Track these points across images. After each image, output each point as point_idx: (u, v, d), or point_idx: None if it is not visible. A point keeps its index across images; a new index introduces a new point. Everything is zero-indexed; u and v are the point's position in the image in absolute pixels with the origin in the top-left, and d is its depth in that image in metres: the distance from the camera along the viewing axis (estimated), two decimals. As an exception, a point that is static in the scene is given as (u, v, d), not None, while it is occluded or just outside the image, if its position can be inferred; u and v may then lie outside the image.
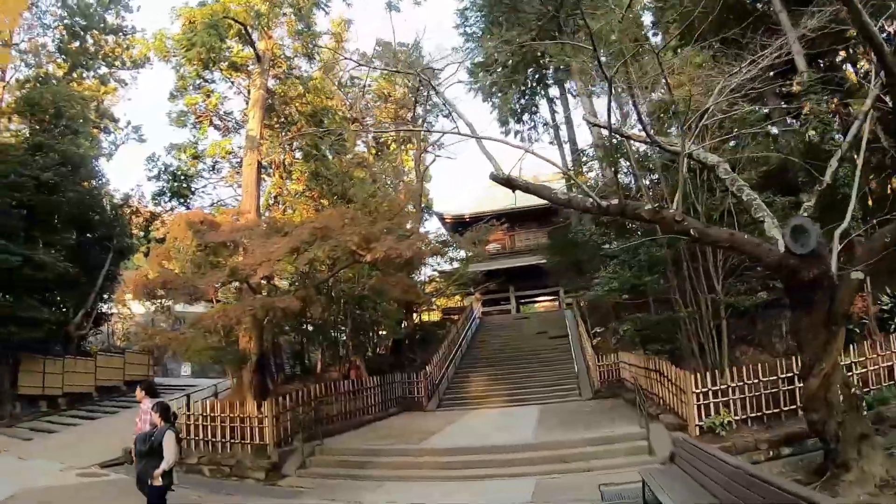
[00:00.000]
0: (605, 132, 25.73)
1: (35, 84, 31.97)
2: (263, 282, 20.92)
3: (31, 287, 26.54)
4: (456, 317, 36.07)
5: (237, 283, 21.66)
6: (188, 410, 18.49)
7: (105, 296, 32.37)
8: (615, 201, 11.31)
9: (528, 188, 12.35)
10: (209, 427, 17.55)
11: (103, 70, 37.60)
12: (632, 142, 16.10)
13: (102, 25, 36.04)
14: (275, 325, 21.81)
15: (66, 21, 34.28)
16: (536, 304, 55.63)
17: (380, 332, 30.48)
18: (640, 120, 12.08)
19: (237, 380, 21.95)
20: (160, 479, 8.57)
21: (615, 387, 22.81)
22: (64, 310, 30.29)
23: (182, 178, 34.11)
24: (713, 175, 13.77)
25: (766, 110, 21.44)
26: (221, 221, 22.71)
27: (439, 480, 13.90)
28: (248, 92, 31.39)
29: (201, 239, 20.29)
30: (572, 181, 22.19)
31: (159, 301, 20.60)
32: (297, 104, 32.63)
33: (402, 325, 30.71)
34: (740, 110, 15.82)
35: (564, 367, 26.85)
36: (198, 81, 32.48)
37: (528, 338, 32.71)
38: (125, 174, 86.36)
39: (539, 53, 32.10)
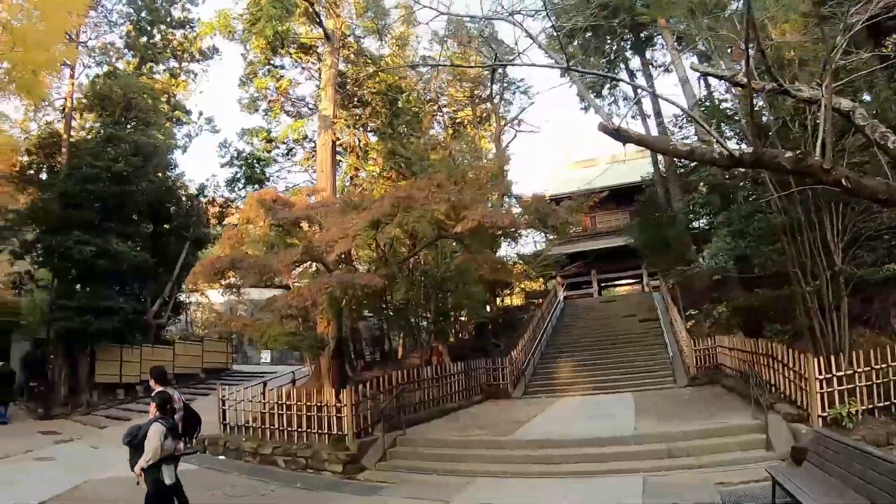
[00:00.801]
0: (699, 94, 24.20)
1: (105, 80, 31.95)
2: (341, 265, 19.84)
3: (107, 278, 26.95)
4: (539, 301, 34.62)
5: (313, 265, 20.75)
6: (263, 398, 17.60)
7: (182, 285, 32.07)
8: (748, 149, 9.70)
9: (641, 140, 10.71)
10: (285, 416, 16.53)
11: (173, 64, 37.76)
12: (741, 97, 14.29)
13: (169, 19, 36.09)
14: (353, 309, 20.53)
15: (132, 17, 34.40)
16: (618, 288, 53.92)
17: (460, 317, 29.32)
18: (766, 67, 10.45)
19: (315, 367, 21.06)
20: (143, 475, 8.12)
21: (712, 373, 20.84)
22: (142, 299, 30.65)
23: (255, 162, 33.88)
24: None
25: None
26: (296, 201, 21.77)
27: (535, 477, 12.39)
28: (319, 74, 30.96)
29: (274, 217, 19.22)
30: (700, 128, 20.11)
31: (229, 283, 19.77)
32: (369, 84, 31.74)
33: (486, 309, 29.45)
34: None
35: (656, 352, 24.87)
36: (266, 68, 32.38)
37: (615, 321, 30.89)
38: (201, 165, 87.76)
39: (619, 22, 30.20)
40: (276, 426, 16.62)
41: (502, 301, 34.63)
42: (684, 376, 21.66)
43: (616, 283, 51.40)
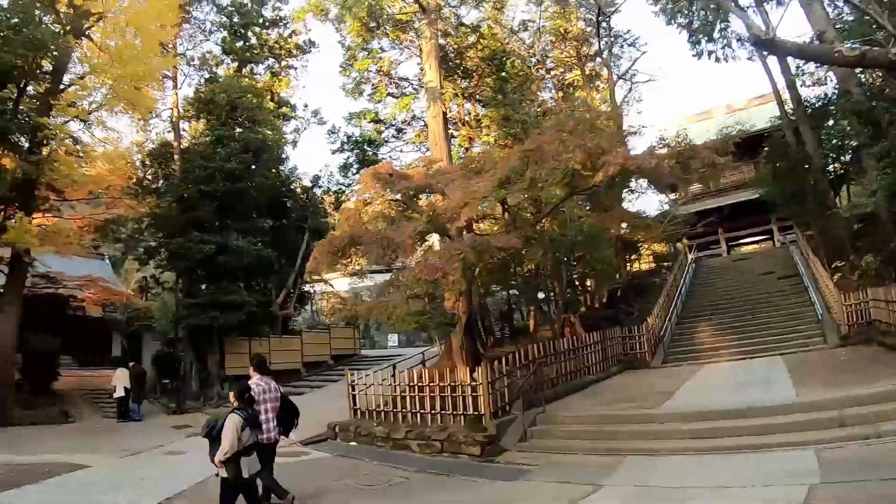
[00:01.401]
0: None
1: (207, 86, 33.09)
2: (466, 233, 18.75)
3: (230, 274, 27.71)
4: (668, 264, 33.02)
5: (432, 241, 20.05)
6: (394, 381, 17.05)
7: (305, 276, 32.82)
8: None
9: (801, 51, 9.43)
10: (416, 398, 15.73)
11: (272, 62, 38.39)
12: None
13: (261, 20, 36.82)
14: (485, 279, 19.61)
15: (225, 24, 35.33)
16: (747, 246, 51.29)
17: (588, 286, 28.14)
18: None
19: (445, 346, 20.34)
20: (224, 468, 7.87)
21: (866, 330, 18.67)
22: (266, 292, 31.44)
23: (366, 144, 33.80)
24: None
25: None
26: (413, 173, 21.12)
27: (692, 453, 10.96)
28: (420, 51, 30.64)
29: (392, 189, 18.61)
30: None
31: (352, 270, 19.23)
32: (471, 55, 30.94)
33: (618, 275, 28.17)
34: None
35: (801, 311, 22.93)
36: (364, 52, 32.73)
37: (752, 280, 28.71)
38: (313, 158, 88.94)
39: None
40: (408, 409, 15.88)
41: (630, 266, 33.18)
42: (835, 335, 19.66)
43: (744, 240, 48.77)
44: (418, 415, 15.63)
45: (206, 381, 27.06)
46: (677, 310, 25.68)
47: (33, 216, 23.02)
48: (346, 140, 35.59)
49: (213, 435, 7.97)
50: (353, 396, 17.50)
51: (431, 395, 15.50)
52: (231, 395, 8.50)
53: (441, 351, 22.68)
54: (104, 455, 15.39)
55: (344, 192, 35.90)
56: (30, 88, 22.28)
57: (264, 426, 8.99)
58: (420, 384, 15.83)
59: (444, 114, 27.36)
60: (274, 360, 27.91)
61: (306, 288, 36.38)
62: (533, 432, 13.89)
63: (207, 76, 34.79)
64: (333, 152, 36.42)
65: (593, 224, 21.47)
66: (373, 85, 34.52)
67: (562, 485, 9.97)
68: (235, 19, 35.37)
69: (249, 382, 9.11)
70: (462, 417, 14.56)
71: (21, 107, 21.12)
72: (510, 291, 26.40)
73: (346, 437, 16.32)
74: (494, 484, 10.83)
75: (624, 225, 27.02)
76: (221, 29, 35.52)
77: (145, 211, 29.37)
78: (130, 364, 23.60)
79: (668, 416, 13.07)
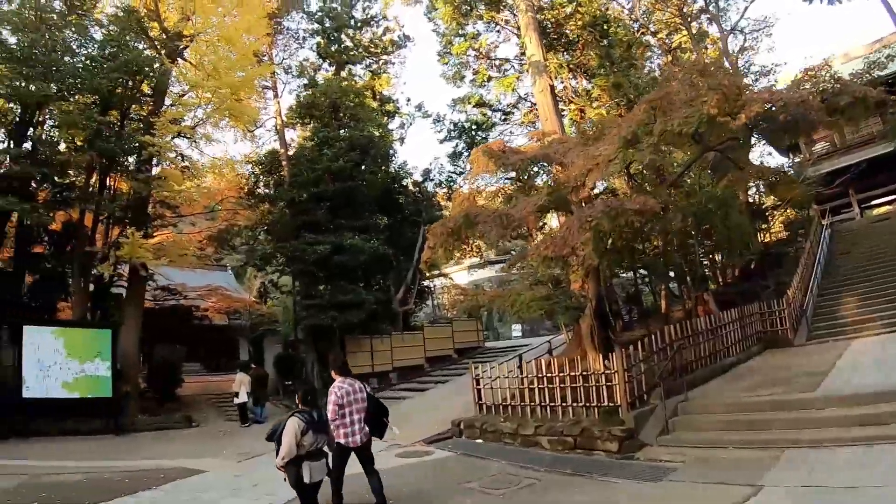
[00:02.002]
0: None
1: (306, 91, 33.71)
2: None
3: (346, 273, 27.62)
4: (801, 230, 30.70)
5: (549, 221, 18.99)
6: (520, 373, 16.19)
7: (426, 272, 32.86)
8: None
9: None
10: (545, 390, 14.57)
11: (369, 62, 38.37)
12: None
13: (353, 22, 36.93)
14: (607, 262, 18.31)
15: (317, 30, 35.78)
16: (881, 207, 47.68)
17: (717, 260, 26.34)
18: None
19: (574, 332, 19.21)
20: (286, 473, 7.62)
21: None
22: (385, 289, 31.22)
23: (474, 129, 33.10)
24: None
25: None
26: (526, 150, 20.11)
27: (861, 443, 9.10)
28: (518, 29, 29.93)
29: (505, 164, 17.42)
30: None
31: (467, 245, 18.30)
32: (570, 24, 29.81)
33: (749, 246, 26.20)
34: None
35: (962, 276, 20.67)
36: (458, 39, 32.44)
37: (899, 244, 26.33)
38: (422, 152, 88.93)
39: None
40: (537, 402, 14.69)
41: (764, 236, 31.06)
42: None
43: (877, 200, 45.36)
44: (548, 408, 14.43)
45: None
46: (817, 280, 23.47)
47: (153, 233, 24.52)
48: (452, 127, 35.18)
49: (275, 438, 7.73)
50: (478, 391, 16.54)
51: (562, 385, 14.25)
52: (297, 396, 8.15)
53: (568, 338, 21.54)
54: (223, 459, 15.39)
55: (455, 182, 35.35)
56: (134, 113, 23.28)
57: (349, 429, 8.57)
58: (549, 375, 14.56)
59: (552, 87, 26.16)
60: (396, 357, 28.21)
61: (426, 283, 35.95)
62: (674, 423, 12.33)
63: (306, 82, 35.16)
64: (441, 141, 36.19)
65: (725, 188, 19.74)
66: (473, 70, 33.85)
67: (715, 486, 8.45)
68: (327, 24, 35.61)
69: (333, 386, 8.73)
70: (596, 409, 13.23)
71: (126, 129, 21.89)
72: (636, 272, 24.97)
73: (472, 434, 15.33)
74: (636, 485, 9.50)
75: (752, 191, 25.34)
76: (314, 35, 36.01)
77: (259, 219, 30.63)
78: (251, 367, 23.72)
79: (826, 400, 11.10)
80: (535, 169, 19.23)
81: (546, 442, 13.25)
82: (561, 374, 14.39)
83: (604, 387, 13.38)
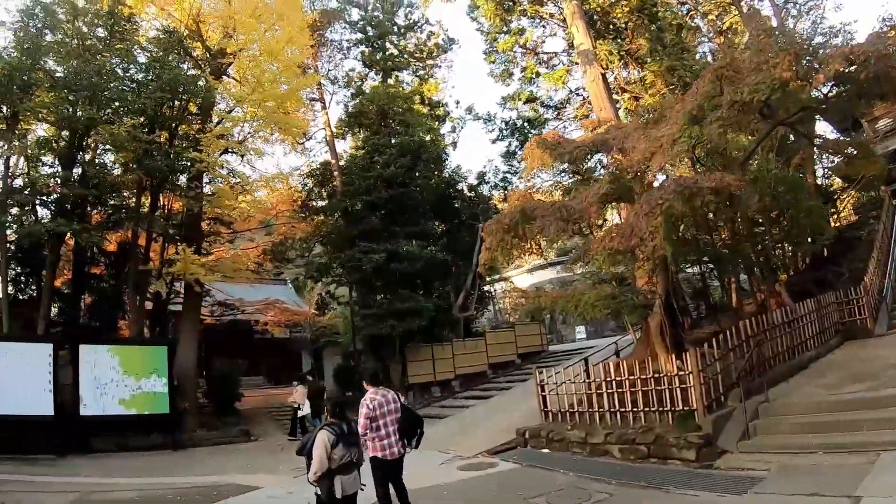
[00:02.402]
0: None
1: (354, 100, 33.91)
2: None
3: (404, 280, 27.13)
4: (873, 213, 28.82)
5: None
6: (587, 377, 15.09)
7: (485, 276, 31.93)
8: None
9: None
10: (614, 394, 13.67)
11: (415, 67, 38.12)
12: None
13: (396, 28, 36.84)
14: (680, 251, 17.09)
15: (360, 38, 35.77)
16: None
17: (786, 248, 24.79)
18: None
19: (643, 331, 18.20)
20: (319, 487, 7.22)
21: None
22: (444, 295, 30.69)
23: (526, 125, 32.40)
24: None
25: None
26: (582, 139, 19.19)
27: None
28: (564, 21, 29.18)
29: (561, 153, 16.40)
30: None
31: (525, 243, 17.37)
32: (617, 11, 28.93)
33: (822, 230, 24.61)
34: None
35: None
36: (503, 37, 31.91)
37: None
38: (475, 155, 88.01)
39: None
40: (606, 407, 13.81)
41: (835, 220, 29.27)
42: None
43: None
44: (617, 414, 13.58)
45: None
46: (894, 264, 22.01)
47: (210, 249, 25.37)
48: (503, 126, 34.66)
49: (305, 453, 7.39)
50: (543, 397, 15.76)
51: (632, 389, 13.36)
52: (326, 408, 7.89)
53: (636, 338, 20.53)
54: (278, 475, 15.09)
55: (511, 183, 34.65)
56: (182, 132, 23.29)
57: (386, 441, 8.29)
58: (617, 378, 13.74)
59: (604, 76, 25.31)
60: (458, 364, 27.53)
61: (486, 288, 35.28)
62: (755, 427, 11.20)
63: (353, 91, 35.26)
64: (493, 141, 35.73)
65: (794, 169, 18.36)
66: (521, 67, 33.26)
67: (808, 499, 7.52)
68: (370, 32, 35.56)
69: (364, 397, 8.38)
70: (669, 414, 12.33)
71: (175, 148, 21.95)
72: (701, 266, 23.70)
73: (538, 443, 14.57)
74: (719, 499, 8.54)
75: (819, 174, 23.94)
76: (358, 45, 35.99)
77: (313, 230, 30.80)
78: (308, 379, 23.40)
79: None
80: (592, 163, 18.29)
81: (617, 451, 12.44)
82: (630, 377, 13.52)
83: (677, 389, 12.41)
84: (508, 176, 35.08)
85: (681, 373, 12.37)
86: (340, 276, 30.08)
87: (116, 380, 18.94)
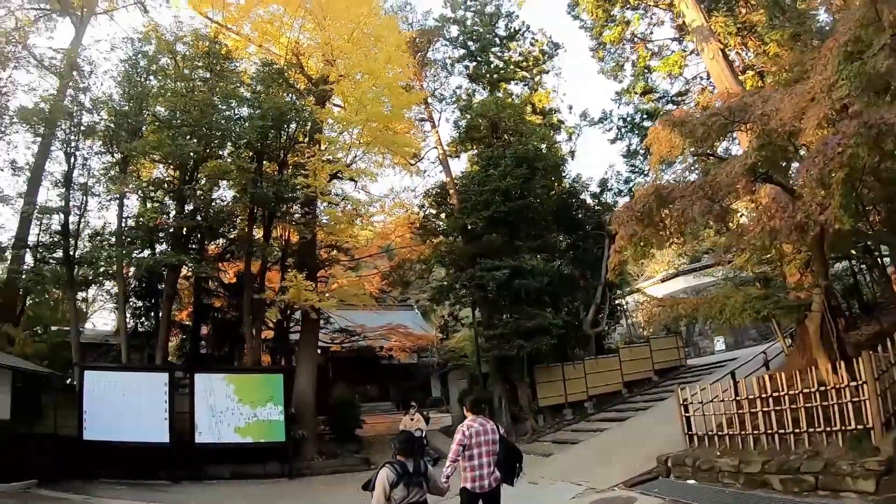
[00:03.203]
0: None
1: (463, 115, 33.10)
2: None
3: (529, 297, 25.64)
4: None
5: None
6: (735, 395, 13.12)
7: (616, 289, 30.68)
8: None
9: None
10: (770, 413, 11.62)
11: (522, 76, 36.84)
12: None
13: (497, 40, 35.85)
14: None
15: (462, 54, 35.31)
16: None
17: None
18: None
19: (799, 336, 15.84)
20: None
21: None
22: (573, 311, 29.10)
23: (644, 120, 31.15)
24: None
25: None
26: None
27: None
28: (669, 5, 27.61)
29: (693, 129, 14.20)
30: None
31: (663, 233, 15.32)
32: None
33: None
34: None
35: None
36: (607, 32, 30.07)
37: None
38: (595, 162, 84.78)
39: None
40: (761, 429, 11.71)
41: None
42: None
43: None
44: (775, 436, 11.51)
45: (517, 416, 25.11)
46: None
47: (331, 277, 25.97)
48: (621, 124, 32.91)
49: (370, 488, 6.91)
50: (687, 418, 13.82)
51: (791, 406, 11.24)
52: (394, 445, 7.17)
53: (787, 346, 18.12)
54: None
55: (635, 186, 32.72)
56: (291, 162, 23.71)
57: (477, 472, 7.83)
58: (771, 394, 11.84)
59: (723, 51, 23.21)
60: (591, 384, 25.68)
61: (616, 302, 33.39)
62: None
63: (462, 107, 34.40)
64: (612, 141, 33.98)
65: None
66: (632, 62, 31.41)
67: None
68: (472, 47, 34.84)
69: (461, 424, 8.02)
70: (839, 435, 10.09)
71: (284, 176, 22.49)
72: (850, 259, 20.91)
73: (682, 472, 12.58)
74: None
75: None
76: (461, 61, 35.41)
77: (432, 251, 30.26)
78: (413, 405, 22.30)
79: None
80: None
81: (777, 482, 10.35)
82: (788, 392, 11.39)
83: (846, 404, 10.19)
84: (632, 177, 33.19)
85: (853, 384, 10.15)
86: (463, 296, 29.05)
87: (232, 408, 19.20)
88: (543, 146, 30.44)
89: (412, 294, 38.32)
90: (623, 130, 33.03)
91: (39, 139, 22.88)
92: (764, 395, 11.91)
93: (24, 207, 22.10)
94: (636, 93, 31.58)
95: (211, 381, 19.32)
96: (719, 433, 12.85)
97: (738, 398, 12.98)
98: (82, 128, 21.73)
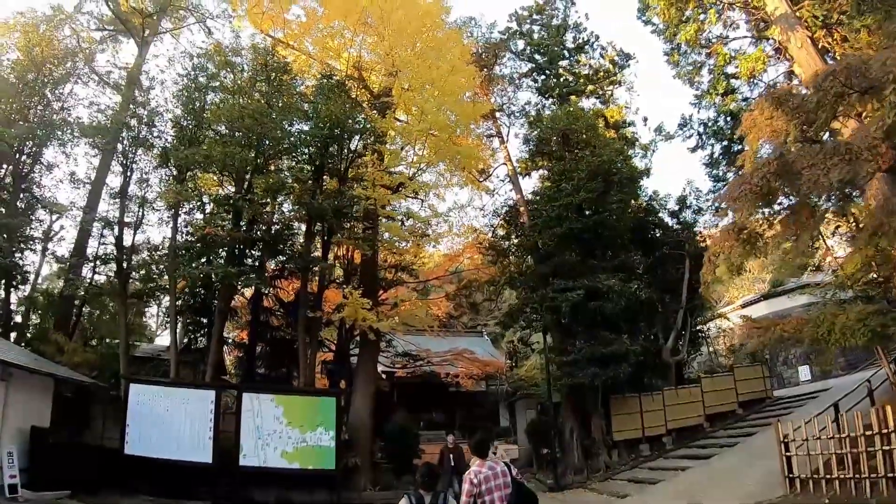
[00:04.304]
0: None
1: (531, 128, 31.96)
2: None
3: (605, 320, 24.07)
4: None
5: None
6: (838, 431, 11.54)
7: (697, 313, 28.77)
8: None
9: None
10: (892, 452, 10.19)
11: (592, 89, 35.36)
12: None
13: (565, 52, 35.07)
14: None
15: (530, 69, 34.61)
16: None
17: None
18: None
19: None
20: None
21: None
22: (652, 337, 27.52)
23: (728, 123, 29.85)
24: None
25: None
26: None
27: None
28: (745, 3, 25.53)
29: (801, 103, 12.46)
30: None
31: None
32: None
33: None
34: None
35: None
36: (675, 31, 27.97)
37: None
38: (672, 178, 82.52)
39: None
40: (880, 471, 10.22)
41: None
42: None
43: None
44: (894, 481, 10.06)
45: (590, 450, 23.33)
46: None
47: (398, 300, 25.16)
48: (702, 130, 31.15)
49: None
50: (787, 458, 12.28)
51: None
52: (416, 474, 7.15)
53: (892, 374, 16.14)
54: None
55: (717, 206, 30.92)
56: (352, 175, 23.14)
57: None
58: (884, 431, 10.23)
59: (811, 38, 21.59)
60: (670, 417, 23.90)
61: (699, 327, 31.55)
62: None
63: (531, 121, 33.07)
64: (693, 150, 32.15)
65: None
66: (710, 68, 29.66)
67: None
68: (539, 60, 34.06)
69: (468, 471, 7.42)
70: None
71: (344, 191, 21.86)
72: None
73: (784, 521, 11.12)
74: None
75: None
76: (529, 76, 34.62)
77: (501, 272, 29.29)
78: (449, 438, 20.97)
79: None
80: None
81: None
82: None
83: None
84: (717, 187, 31.31)
85: None
86: (534, 320, 27.61)
87: (280, 431, 18.43)
88: (608, 157, 28.99)
89: (481, 319, 37.27)
90: (704, 137, 31.35)
91: (100, 153, 23.42)
92: (885, 432, 10.20)
93: (83, 219, 22.50)
94: (717, 93, 29.81)
95: (259, 402, 18.60)
96: (827, 476, 11.18)
97: (844, 435, 11.27)
98: (140, 141, 21.85)
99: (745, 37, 28.30)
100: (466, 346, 32.28)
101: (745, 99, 29.27)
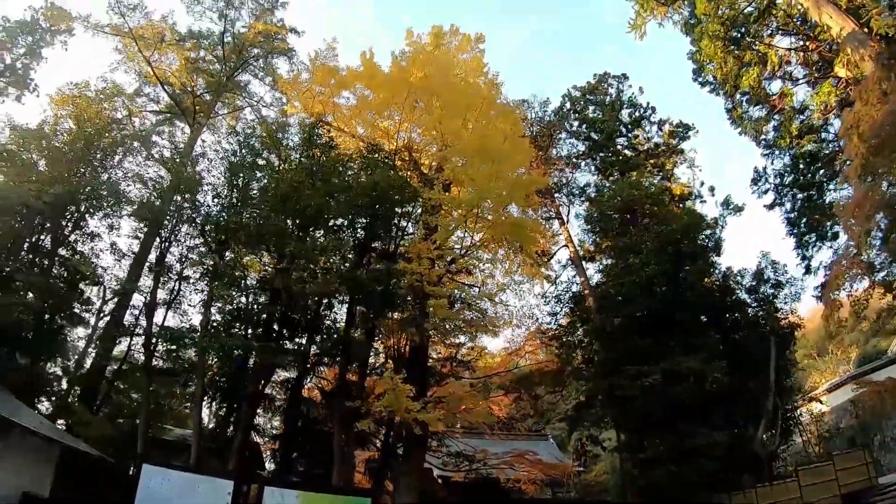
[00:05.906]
0: None
1: (591, 209, 31.03)
2: None
3: (684, 409, 21.77)
4: None
5: None
6: None
7: (786, 398, 26.10)
8: None
9: None
10: None
11: (653, 163, 34.42)
12: None
13: (623, 129, 34.59)
14: None
15: (586, 146, 34.40)
16: None
17: None
18: None
19: None
20: None
21: None
22: (738, 427, 24.57)
23: (809, 168, 27.67)
24: None
25: None
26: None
27: None
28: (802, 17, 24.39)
29: None
30: None
31: None
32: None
33: None
34: None
35: None
36: (735, 84, 26.45)
37: None
38: (745, 250, 79.25)
39: None
40: None
41: None
42: None
43: None
44: None
45: None
46: None
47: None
48: (778, 181, 28.66)
49: None
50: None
51: None
52: None
53: None
54: None
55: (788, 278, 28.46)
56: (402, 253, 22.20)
57: None
58: None
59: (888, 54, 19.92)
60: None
61: (790, 413, 28.63)
62: None
63: (591, 197, 32.27)
64: (769, 207, 29.28)
65: None
66: (775, 119, 27.74)
67: None
68: (596, 137, 33.67)
69: None
70: None
71: (391, 270, 20.58)
72: None
73: None
74: None
75: None
76: (586, 155, 34.28)
77: (565, 362, 27.98)
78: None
79: None
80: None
81: None
82: None
83: None
84: (803, 250, 28.86)
85: None
86: (603, 416, 25.75)
87: None
88: (680, 228, 26.96)
89: (544, 423, 35.71)
90: (782, 191, 28.96)
91: (145, 226, 23.31)
92: None
93: (118, 289, 22.56)
94: (791, 134, 27.49)
95: (283, 497, 16.74)
96: None
97: None
98: (185, 218, 21.72)
99: (804, 80, 26.61)
100: (528, 448, 30.07)
101: (824, 140, 27.08)
